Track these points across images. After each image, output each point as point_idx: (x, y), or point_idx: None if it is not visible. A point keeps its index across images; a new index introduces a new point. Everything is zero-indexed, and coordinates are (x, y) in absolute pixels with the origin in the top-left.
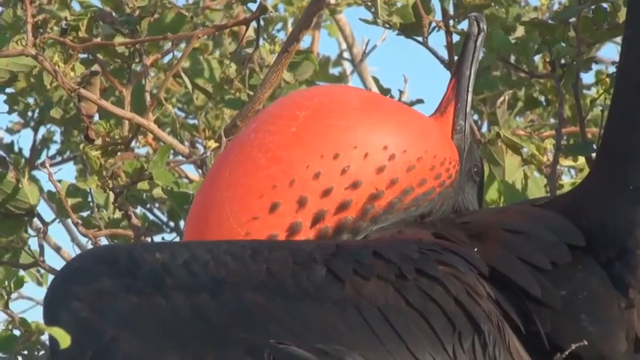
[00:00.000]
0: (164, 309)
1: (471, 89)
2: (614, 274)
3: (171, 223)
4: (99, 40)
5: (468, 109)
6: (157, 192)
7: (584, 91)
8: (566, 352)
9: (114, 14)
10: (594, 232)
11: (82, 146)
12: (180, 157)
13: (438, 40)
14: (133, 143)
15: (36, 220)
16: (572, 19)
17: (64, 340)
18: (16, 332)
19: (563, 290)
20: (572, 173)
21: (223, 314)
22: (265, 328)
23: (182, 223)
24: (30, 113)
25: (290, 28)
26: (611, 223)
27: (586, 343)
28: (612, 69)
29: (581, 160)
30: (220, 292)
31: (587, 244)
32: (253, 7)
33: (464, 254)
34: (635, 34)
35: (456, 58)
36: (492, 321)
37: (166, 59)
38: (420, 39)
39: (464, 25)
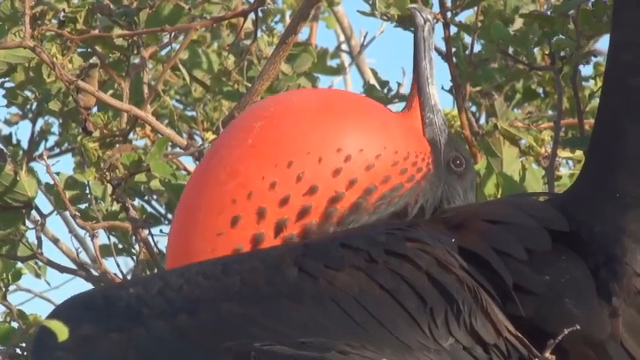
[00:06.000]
0: (145, 339)
1: (432, 80)
2: (600, 281)
3: (169, 215)
4: (97, 32)
5: (433, 102)
6: (155, 184)
7: (583, 83)
8: (559, 338)
9: (112, 6)
10: (582, 238)
11: (79, 138)
12: (178, 149)
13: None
14: (130, 135)
15: (34, 213)
16: (572, 12)
17: (62, 332)
18: (14, 324)
19: (545, 275)
20: (570, 165)
21: (205, 330)
22: (248, 333)
23: None
24: (28, 105)
25: (288, 20)
26: (598, 230)
27: (578, 327)
28: None
29: (579, 151)
30: (198, 311)
31: (574, 250)
32: None
33: (432, 230)
34: (621, 37)
35: (453, 49)
36: (465, 287)
37: (164, 51)
38: None
39: (462, 17)
